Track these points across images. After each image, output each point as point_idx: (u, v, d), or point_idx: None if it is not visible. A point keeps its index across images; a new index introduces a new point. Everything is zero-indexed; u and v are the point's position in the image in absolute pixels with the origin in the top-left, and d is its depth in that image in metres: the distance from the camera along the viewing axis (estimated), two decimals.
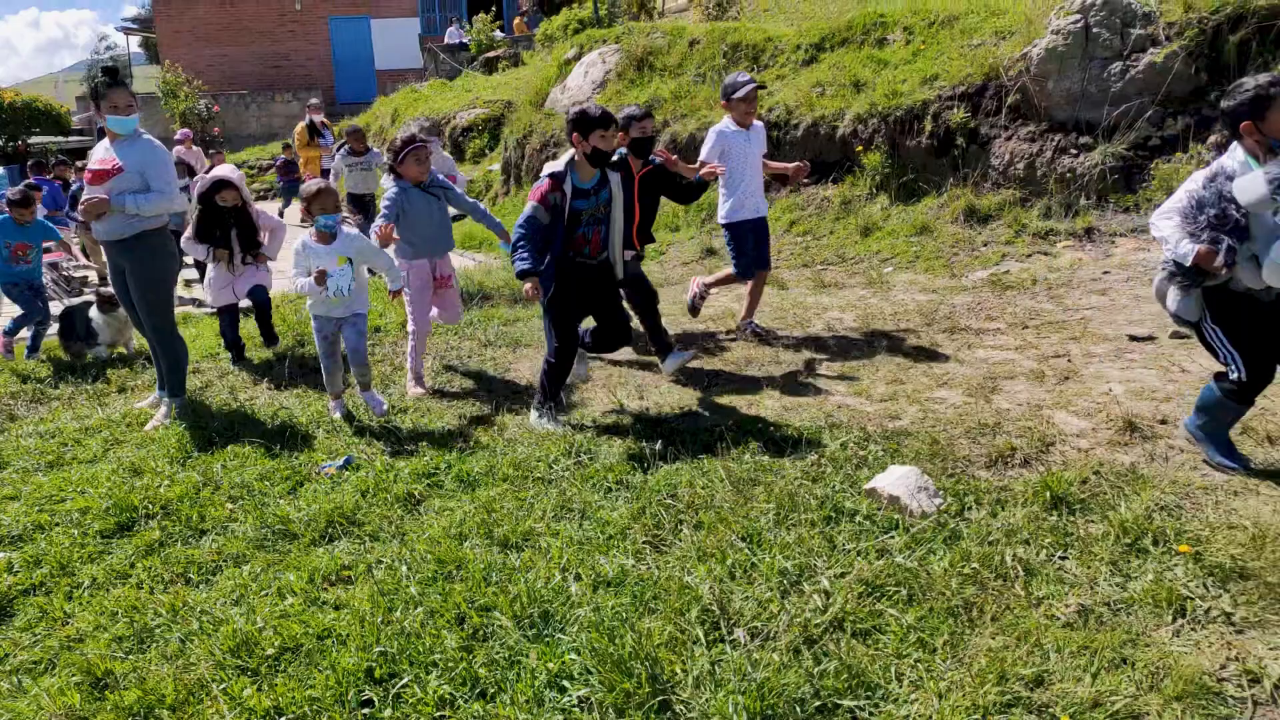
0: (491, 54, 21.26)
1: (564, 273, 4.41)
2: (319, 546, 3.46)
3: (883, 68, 9.07)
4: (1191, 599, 2.66)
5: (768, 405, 4.64)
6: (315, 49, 31.20)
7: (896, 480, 3.38)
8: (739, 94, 5.59)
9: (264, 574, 3.25)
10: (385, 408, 4.95)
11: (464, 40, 24.12)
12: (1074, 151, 7.49)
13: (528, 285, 4.17)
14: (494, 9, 25.76)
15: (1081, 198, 7.27)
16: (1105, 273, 6.38)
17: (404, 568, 3.16)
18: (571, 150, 4.37)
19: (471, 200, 5.66)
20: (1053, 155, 7.55)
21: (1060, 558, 2.95)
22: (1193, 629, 2.56)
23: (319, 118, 14.24)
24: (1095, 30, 7.61)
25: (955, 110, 8.06)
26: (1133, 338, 5.05)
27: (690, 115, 10.25)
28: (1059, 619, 2.64)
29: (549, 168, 4.38)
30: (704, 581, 2.87)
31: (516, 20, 26.12)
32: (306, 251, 4.80)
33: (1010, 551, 2.96)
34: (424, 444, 4.41)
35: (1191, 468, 3.53)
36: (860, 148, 8.60)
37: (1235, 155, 3.32)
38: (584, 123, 4.23)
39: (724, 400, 4.78)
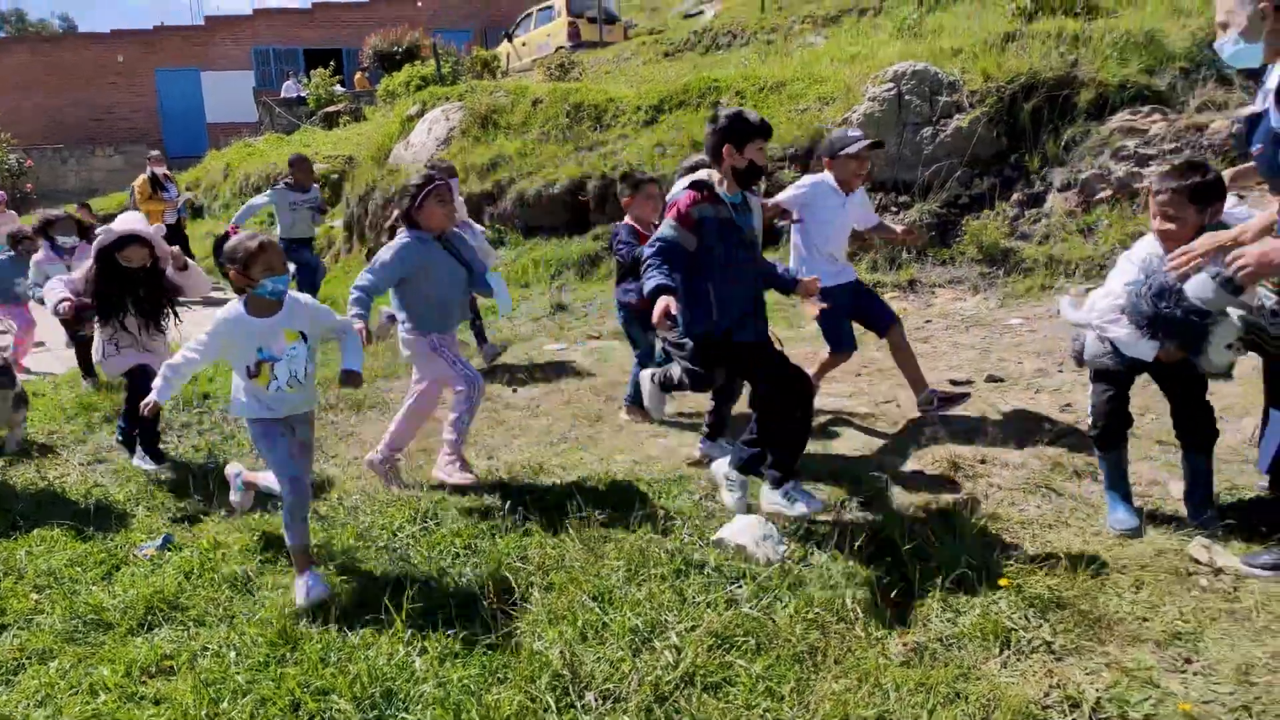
0: (331, 109, 20.83)
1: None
2: (137, 636, 3.18)
3: None
4: (1015, 630, 2.82)
5: (619, 461, 4.66)
6: (142, 100, 29.77)
7: (742, 530, 3.45)
8: (849, 149, 4.65)
9: (74, 670, 2.97)
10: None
11: (302, 94, 23.54)
12: (894, 209, 8.02)
13: (661, 306, 3.32)
14: (333, 63, 25.29)
15: (904, 252, 7.78)
16: (927, 321, 6.81)
17: (232, 653, 2.95)
18: (700, 174, 3.64)
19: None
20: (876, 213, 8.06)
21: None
22: (1018, 659, 2.71)
23: (161, 170, 13.29)
24: (907, 98, 8.24)
25: (786, 170, 8.49)
26: (953, 382, 5.39)
27: (536, 172, 10.35)
28: (896, 658, 2.74)
29: (682, 184, 3.69)
30: (554, 645, 2.82)
31: (358, 75, 25.74)
32: (236, 331, 3.40)
33: (850, 593, 3.07)
34: (256, 516, 4.16)
35: (1010, 504, 3.78)
36: None
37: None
38: (741, 131, 3.50)
39: (575, 458, 4.76)
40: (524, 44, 22.84)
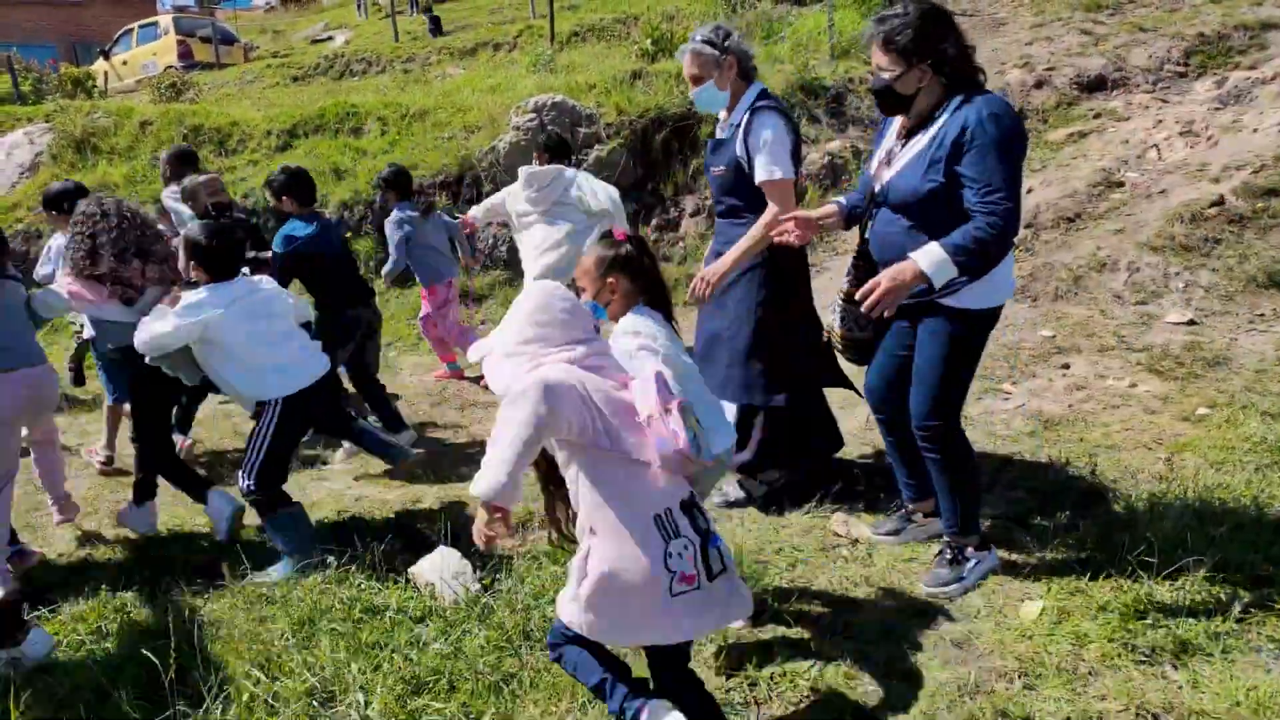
0: None
1: None
2: None
3: (362, 156, 9.12)
4: None
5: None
6: None
7: (432, 566, 3.29)
8: None
9: None
10: None
11: None
12: None
13: None
14: None
15: None
16: None
17: None
18: None
19: None
20: None
21: None
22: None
23: None
24: (550, 127, 8.51)
25: (438, 197, 8.38)
26: None
27: (151, 200, 9.22)
28: None
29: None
30: None
31: None
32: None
33: (540, 613, 3.02)
34: None
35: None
36: (349, 233, 8.49)
37: None
38: None
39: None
40: (124, 63, 20.40)
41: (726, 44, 3.53)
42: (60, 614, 3.25)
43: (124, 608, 3.31)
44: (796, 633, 2.87)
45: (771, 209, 3.49)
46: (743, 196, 3.62)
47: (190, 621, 3.09)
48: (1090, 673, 2.54)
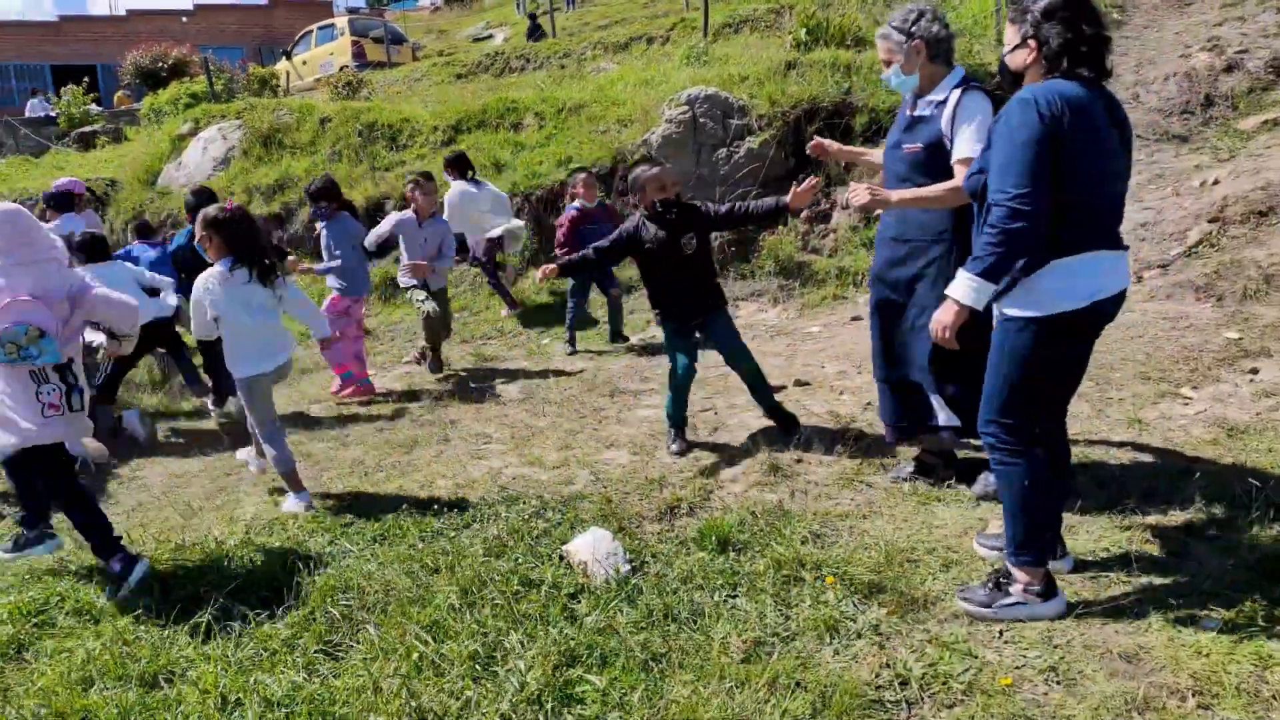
0: (87, 129, 18.95)
1: None
2: None
3: (520, 150, 9.45)
4: (843, 619, 2.94)
5: (440, 486, 4.49)
6: None
7: (585, 545, 3.41)
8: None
9: None
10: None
11: (50, 113, 21.29)
12: None
13: None
14: (86, 80, 23.05)
15: None
16: None
17: None
18: None
19: None
20: None
21: (731, 597, 3.14)
22: (848, 645, 2.82)
23: None
24: (702, 120, 8.57)
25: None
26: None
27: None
28: (737, 655, 2.78)
29: None
30: (390, 679, 2.65)
31: (119, 94, 23.60)
32: None
33: (688, 597, 3.09)
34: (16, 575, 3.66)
35: (828, 498, 3.96)
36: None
37: None
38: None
39: (392, 486, 4.54)
40: (304, 62, 21.85)
41: (913, 29, 3.54)
42: (254, 573, 3.56)
43: (308, 568, 3.59)
44: (950, 633, 2.81)
45: (957, 181, 3.39)
46: (936, 176, 3.55)
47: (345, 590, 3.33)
48: (1274, 696, 2.37)
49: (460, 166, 7.78)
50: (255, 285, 4.14)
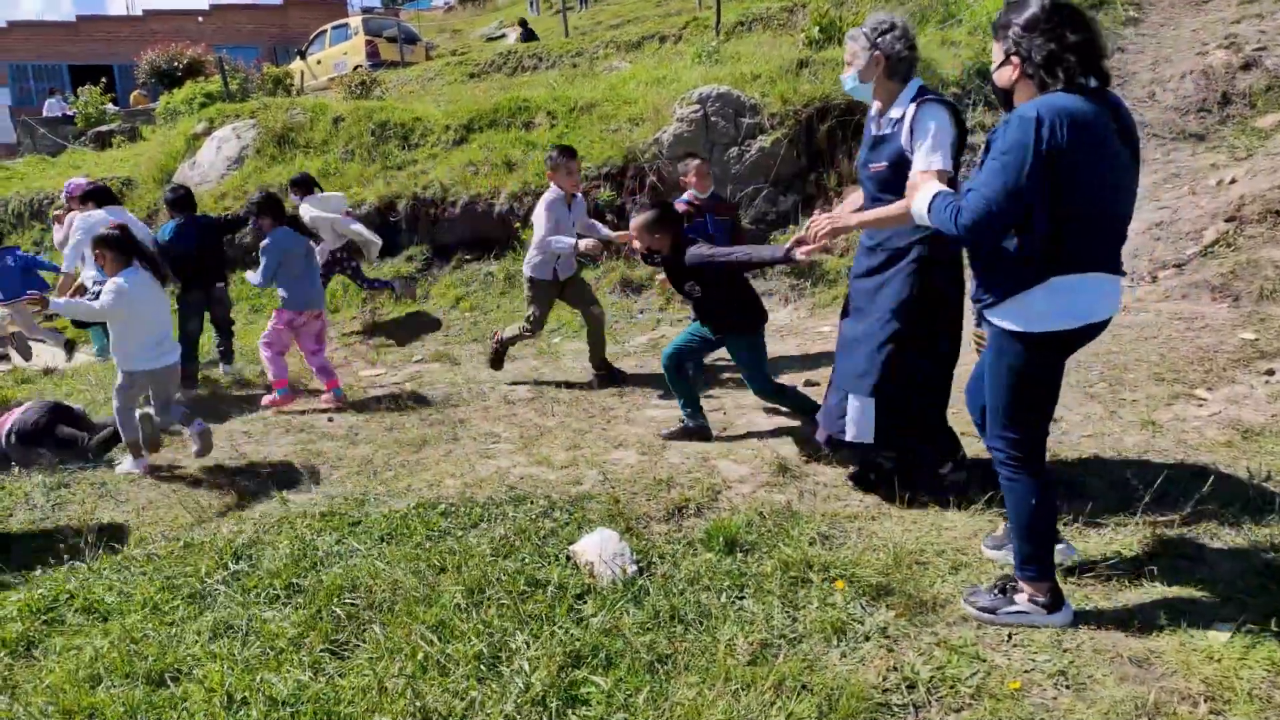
0: (103, 128, 19.09)
1: None
2: None
3: (532, 149, 9.44)
4: (851, 621, 2.92)
5: (448, 485, 4.49)
6: None
7: (591, 546, 3.40)
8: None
9: None
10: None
11: (68, 113, 21.47)
12: None
13: None
14: (103, 80, 23.22)
15: None
16: None
17: None
18: None
19: None
20: None
21: (738, 598, 3.12)
22: (856, 647, 2.81)
23: None
24: (713, 119, 8.55)
25: (602, 189, 8.57)
26: None
27: (341, 192, 9.90)
28: (744, 657, 2.77)
29: None
30: (396, 679, 2.65)
31: (135, 94, 23.76)
32: None
33: (694, 598, 3.08)
34: (28, 572, 3.68)
35: (836, 499, 3.94)
36: (518, 224, 8.82)
37: None
38: None
39: (402, 483, 4.55)
40: (318, 62, 21.94)
41: (878, 40, 3.55)
42: (258, 570, 3.57)
43: (315, 568, 3.60)
44: (959, 637, 2.79)
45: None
46: (903, 193, 3.49)
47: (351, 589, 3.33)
48: None
49: (306, 186, 8.08)
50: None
